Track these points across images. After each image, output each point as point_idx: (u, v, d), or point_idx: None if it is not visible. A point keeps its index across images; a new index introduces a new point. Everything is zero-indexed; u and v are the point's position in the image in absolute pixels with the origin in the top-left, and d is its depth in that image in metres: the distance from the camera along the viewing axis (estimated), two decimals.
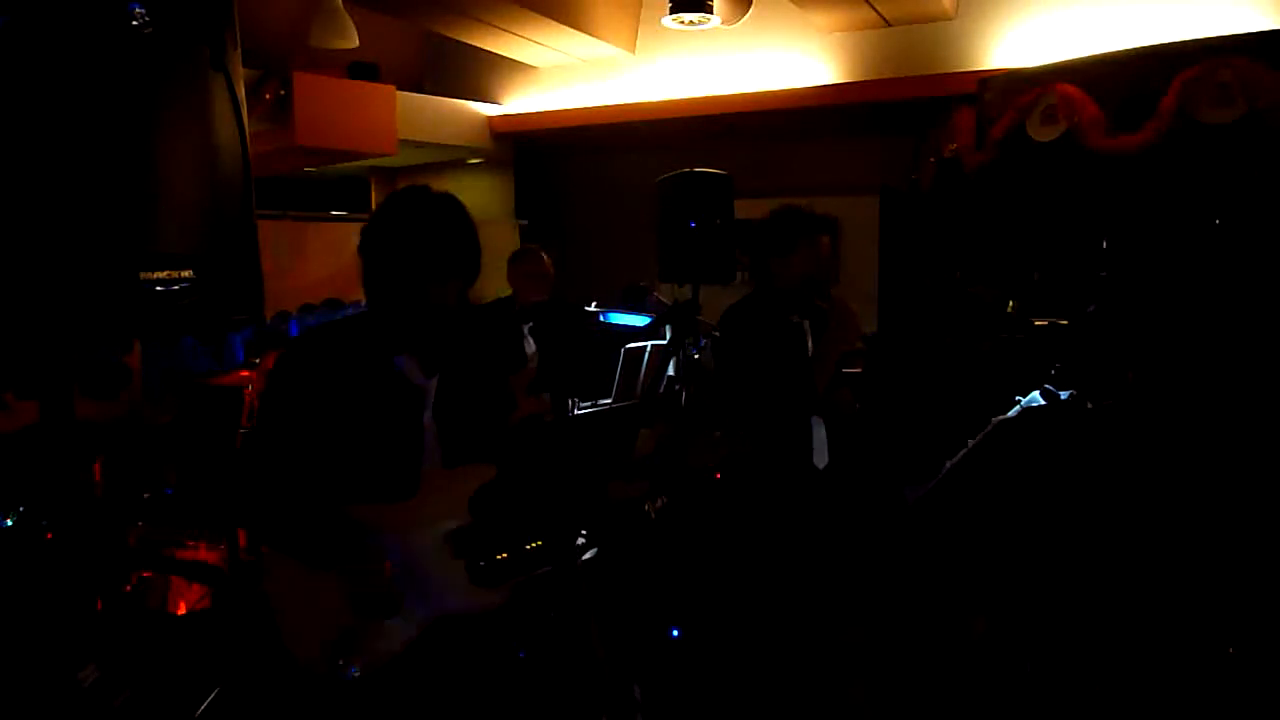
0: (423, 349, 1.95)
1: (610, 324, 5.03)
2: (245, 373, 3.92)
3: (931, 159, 4.75)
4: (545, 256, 4.22)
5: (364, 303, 2.00)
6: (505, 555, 1.99)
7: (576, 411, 4.09)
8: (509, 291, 4.31)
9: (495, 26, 5.41)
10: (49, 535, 3.09)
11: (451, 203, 1.97)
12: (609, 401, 4.52)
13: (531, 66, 6.46)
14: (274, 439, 1.86)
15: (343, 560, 1.78)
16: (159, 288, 1.96)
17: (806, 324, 3.14)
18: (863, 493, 3.56)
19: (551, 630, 2.51)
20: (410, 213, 1.93)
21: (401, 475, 1.88)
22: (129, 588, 3.48)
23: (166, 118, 1.98)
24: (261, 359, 4.16)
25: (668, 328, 4.01)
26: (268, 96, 4.93)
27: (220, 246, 2.10)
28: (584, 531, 2.93)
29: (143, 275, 1.93)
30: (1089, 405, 3.10)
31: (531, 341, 4.05)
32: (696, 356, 3.84)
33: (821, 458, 3.13)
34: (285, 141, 5.03)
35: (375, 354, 1.91)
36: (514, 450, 2.17)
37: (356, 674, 1.77)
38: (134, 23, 1.88)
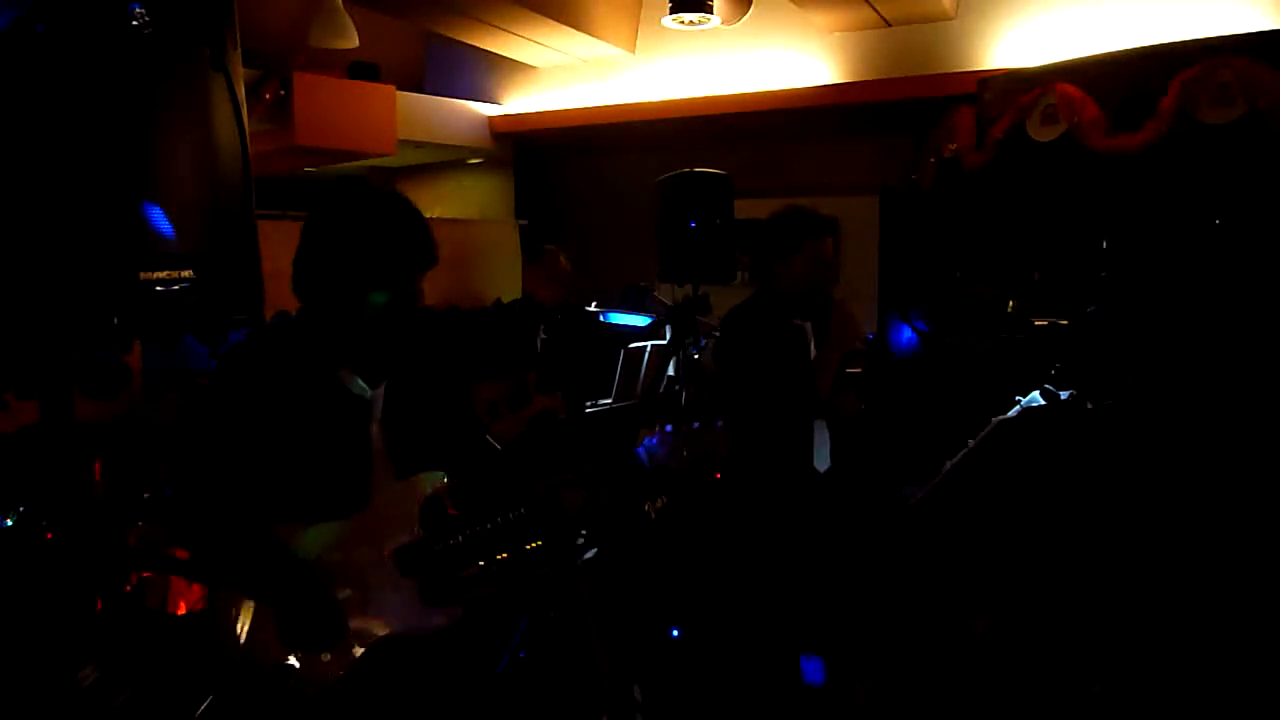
0: (365, 359, 1.84)
1: (610, 324, 5.03)
2: None
3: (931, 159, 4.75)
4: (563, 257, 4.23)
5: (295, 312, 1.88)
6: (505, 555, 1.94)
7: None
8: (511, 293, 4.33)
9: (495, 26, 5.41)
10: (49, 535, 3.08)
11: (394, 198, 1.85)
12: (609, 401, 4.52)
13: (531, 66, 6.46)
14: (212, 459, 1.71)
15: (282, 593, 1.67)
16: (159, 288, 1.96)
17: (808, 326, 3.13)
18: (864, 495, 3.56)
19: (551, 630, 2.51)
20: (354, 211, 1.81)
21: (348, 490, 1.78)
22: (129, 588, 3.47)
23: (166, 118, 1.98)
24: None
25: (668, 328, 4.01)
26: (268, 96, 4.93)
27: (220, 246, 2.11)
28: (584, 531, 2.92)
29: (143, 275, 1.94)
30: (1089, 405, 3.10)
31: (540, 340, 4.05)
32: (696, 357, 3.84)
33: (823, 461, 3.12)
34: (285, 141, 5.03)
35: (317, 366, 1.79)
36: (526, 444, 2.15)
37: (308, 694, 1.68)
38: (134, 23, 1.88)
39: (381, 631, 1.74)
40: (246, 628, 1.71)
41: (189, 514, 1.74)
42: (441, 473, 1.84)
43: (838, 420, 3.18)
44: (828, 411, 3.12)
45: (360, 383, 1.84)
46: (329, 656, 1.70)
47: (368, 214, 1.80)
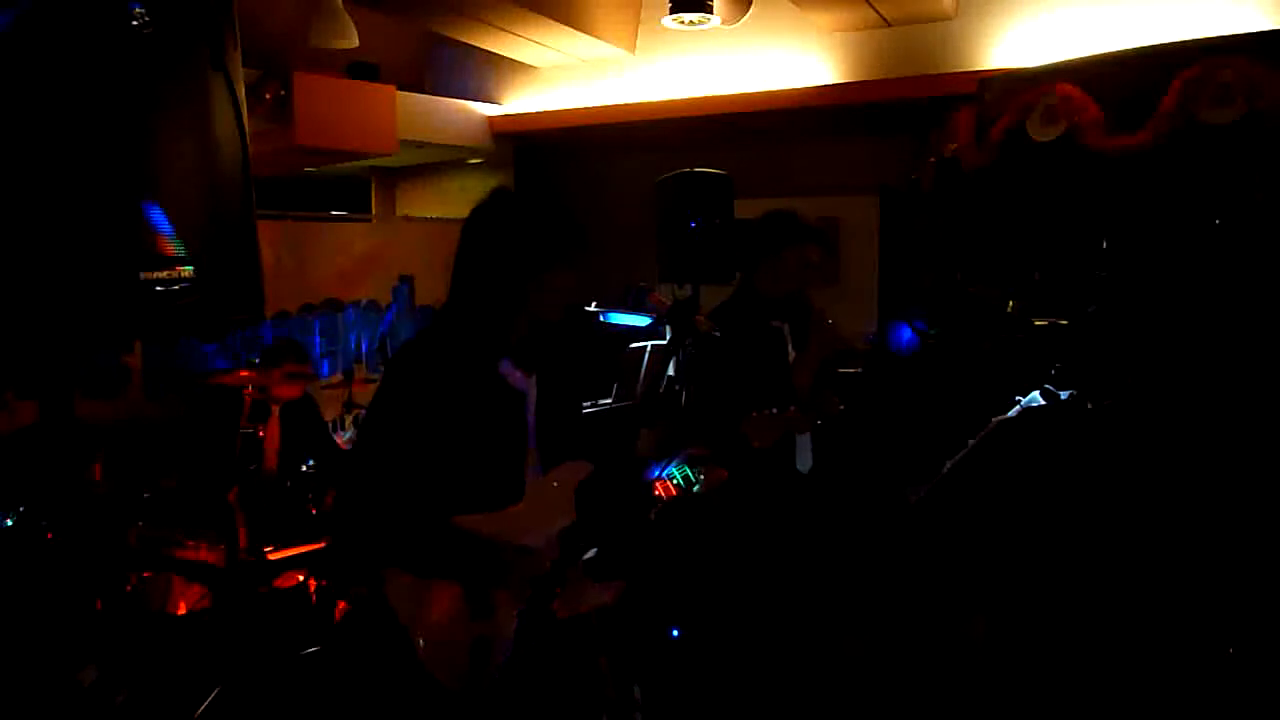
0: (521, 350, 1.96)
1: (610, 324, 5.03)
2: (245, 373, 3.92)
3: (931, 159, 4.74)
4: (571, 274, 4.21)
5: (443, 306, 1.99)
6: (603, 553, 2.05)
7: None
8: None
9: (495, 26, 5.41)
10: (49, 535, 3.09)
11: (556, 203, 2.00)
12: (609, 401, 4.53)
13: (531, 66, 6.46)
14: (386, 453, 1.82)
15: (467, 577, 1.79)
16: (159, 288, 1.96)
17: (786, 328, 3.13)
18: (849, 495, 3.56)
19: (551, 630, 2.51)
20: (523, 211, 1.95)
21: (509, 480, 1.91)
22: (129, 588, 3.48)
23: (166, 118, 1.98)
24: (262, 359, 4.16)
25: (668, 328, 4.01)
26: (268, 96, 4.93)
27: (220, 246, 2.11)
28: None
29: (143, 275, 1.94)
30: (1089, 405, 3.10)
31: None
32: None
33: (804, 461, 3.11)
34: (285, 141, 5.03)
35: (481, 359, 1.90)
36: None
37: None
38: (134, 23, 1.88)
39: (564, 615, 1.90)
40: (433, 623, 1.81)
41: (374, 504, 1.81)
42: (586, 461, 1.96)
43: (825, 420, 3.16)
44: (806, 411, 3.11)
45: (518, 373, 1.95)
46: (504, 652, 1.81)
47: (522, 214, 1.95)
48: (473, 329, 1.91)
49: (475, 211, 1.97)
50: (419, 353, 1.94)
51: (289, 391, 4.15)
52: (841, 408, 3.13)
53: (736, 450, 3.00)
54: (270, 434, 4.04)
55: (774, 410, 2.53)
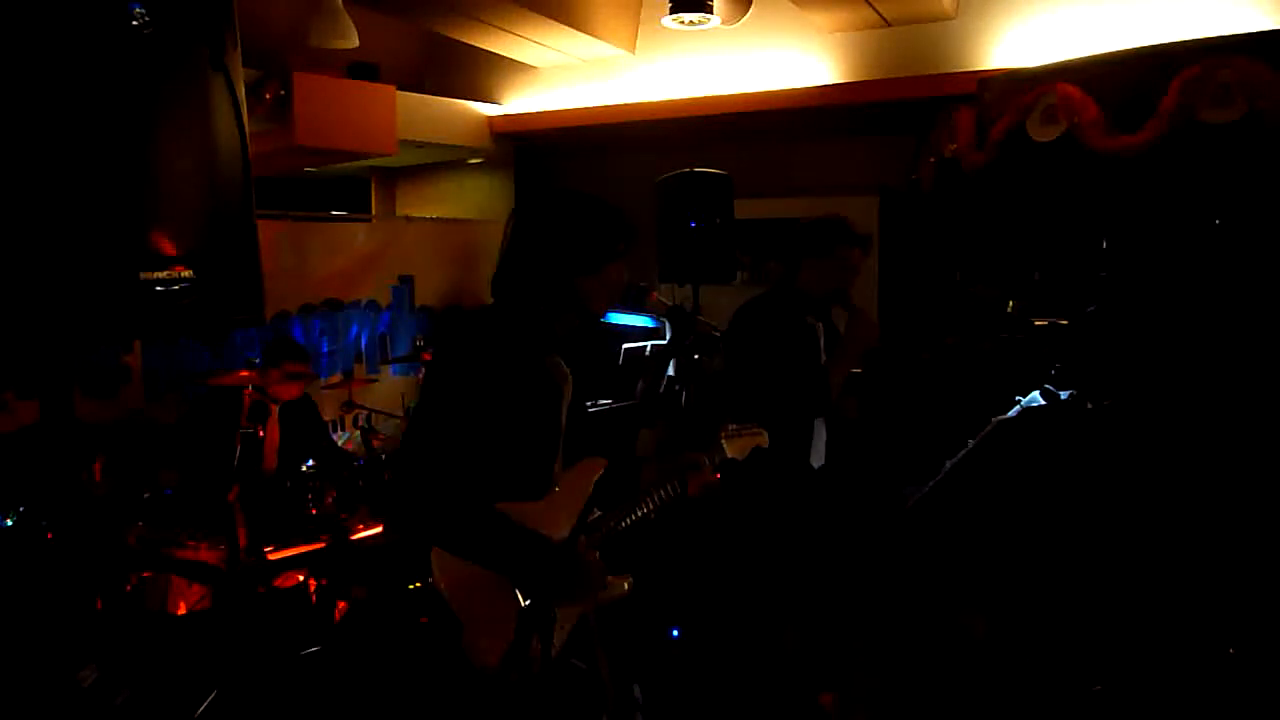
0: (565, 347, 2.00)
1: (610, 324, 5.03)
2: (245, 373, 3.91)
3: (931, 159, 4.74)
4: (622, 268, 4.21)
5: (496, 301, 2.01)
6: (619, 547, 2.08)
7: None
8: None
9: (495, 26, 5.41)
10: (49, 535, 3.09)
11: (591, 199, 2.02)
12: (609, 401, 4.53)
13: (531, 66, 6.46)
14: (445, 438, 1.82)
15: (521, 569, 1.81)
16: (159, 288, 1.97)
17: (820, 327, 3.19)
18: (858, 492, 3.57)
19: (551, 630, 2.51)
20: (580, 207, 1.97)
21: (543, 471, 1.95)
22: (129, 588, 3.48)
23: (166, 118, 1.98)
24: (263, 359, 4.16)
25: (667, 328, 4.02)
26: (268, 96, 4.93)
27: (220, 246, 2.11)
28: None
29: (143, 275, 1.94)
30: (1089, 405, 3.10)
31: None
32: (697, 357, 3.84)
33: (818, 458, 3.14)
34: (285, 141, 5.03)
35: (529, 353, 1.93)
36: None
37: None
38: (134, 23, 1.88)
39: (587, 608, 1.94)
40: (483, 610, 1.85)
41: (435, 485, 1.81)
42: (604, 458, 2.00)
43: (838, 420, 3.20)
44: (831, 411, 3.15)
45: (561, 368, 2.00)
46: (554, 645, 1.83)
47: (570, 210, 1.96)
48: (527, 322, 1.94)
49: (525, 206, 2.00)
50: (476, 342, 1.94)
51: (288, 391, 4.14)
52: (854, 416, 3.18)
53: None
54: (269, 434, 4.04)
55: (752, 425, 2.57)
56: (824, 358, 3.18)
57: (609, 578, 1.96)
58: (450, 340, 1.97)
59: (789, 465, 3.05)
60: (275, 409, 4.14)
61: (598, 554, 1.96)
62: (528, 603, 1.86)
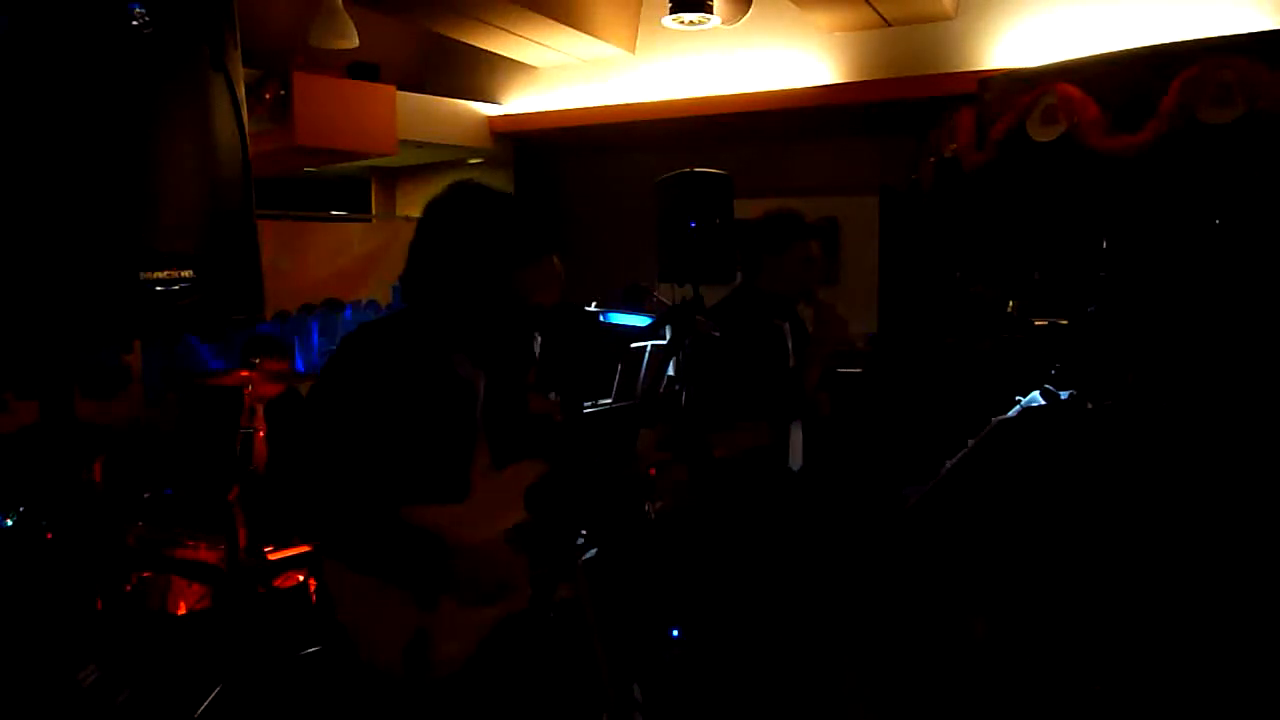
0: (473, 345, 1.94)
1: (610, 324, 5.03)
2: (245, 373, 3.92)
3: (931, 159, 4.74)
4: (557, 259, 4.20)
5: (402, 301, 1.97)
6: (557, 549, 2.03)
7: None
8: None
9: (495, 26, 5.41)
10: (49, 535, 3.09)
11: (508, 197, 1.97)
12: (609, 401, 4.52)
13: (531, 66, 6.46)
14: (329, 441, 1.78)
15: (409, 573, 1.75)
16: (159, 288, 1.96)
17: (786, 327, 3.14)
18: (844, 492, 3.57)
19: (551, 630, 2.51)
20: (479, 204, 1.92)
21: (458, 474, 1.87)
22: (129, 588, 3.48)
23: (166, 118, 1.98)
24: (261, 360, 4.15)
25: (668, 328, 4.01)
26: (268, 96, 4.93)
27: (220, 246, 2.11)
28: (584, 531, 2.93)
29: (143, 275, 1.94)
30: (1089, 405, 3.10)
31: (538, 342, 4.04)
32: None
33: (796, 460, 3.12)
34: (285, 141, 5.03)
35: (432, 351, 1.89)
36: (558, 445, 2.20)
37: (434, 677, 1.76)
38: (134, 23, 1.88)
39: (499, 613, 1.83)
40: (372, 608, 1.79)
41: (311, 499, 1.78)
42: (540, 460, 1.93)
43: (814, 420, 3.17)
44: (806, 411, 3.12)
45: (470, 367, 1.93)
46: (456, 648, 1.77)
47: (499, 205, 1.92)
48: (430, 321, 1.89)
49: (436, 204, 1.93)
50: (371, 339, 1.90)
51: (271, 389, 4.13)
52: (827, 413, 3.15)
53: (704, 453, 3.02)
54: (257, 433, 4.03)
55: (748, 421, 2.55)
56: (793, 359, 3.13)
57: (546, 584, 1.91)
58: (342, 348, 1.90)
59: (768, 470, 3.04)
60: (260, 408, 4.14)
61: (528, 558, 1.88)
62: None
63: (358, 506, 1.76)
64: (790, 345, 3.15)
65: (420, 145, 6.28)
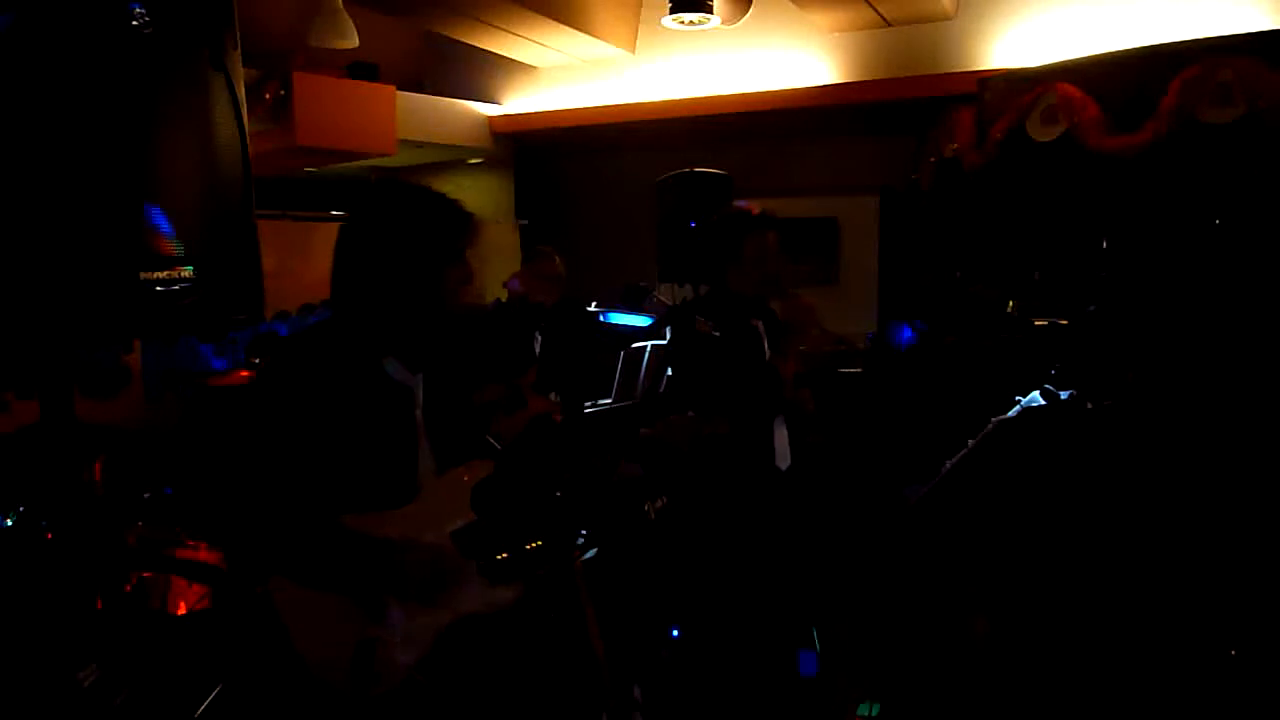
0: (406, 348, 1.88)
1: (610, 324, 5.03)
2: (245, 373, 3.92)
3: (931, 159, 4.75)
4: (558, 258, 4.21)
5: (332, 307, 1.91)
6: (506, 555, 1.98)
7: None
8: (504, 294, 4.31)
9: (495, 26, 5.41)
10: (49, 535, 3.09)
11: (430, 193, 1.90)
12: (609, 401, 4.52)
13: (531, 66, 6.46)
14: (266, 456, 1.74)
15: (356, 580, 1.73)
16: (159, 288, 1.96)
17: (761, 325, 3.13)
18: (832, 494, 3.55)
19: (552, 630, 2.51)
20: (402, 201, 1.86)
21: (400, 478, 1.84)
22: (129, 588, 3.47)
23: (166, 118, 1.98)
24: (262, 360, 4.15)
25: (668, 328, 4.01)
26: (268, 96, 4.93)
27: (220, 246, 2.11)
28: (584, 531, 2.93)
29: (143, 275, 1.94)
30: (1089, 405, 3.10)
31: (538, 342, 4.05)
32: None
33: (784, 460, 3.10)
34: (285, 141, 5.02)
35: (363, 357, 1.83)
36: (522, 448, 2.17)
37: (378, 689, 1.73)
38: (134, 23, 1.88)
39: (450, 616, 1.80)
40: (313, 618, 1.78)
41: (258, 508, 1.75)
42: (488, 461, 1.92)
43: (798, 418, 3.15)
44: (789, 408, 3.10)
45: (404, 370, 1.88)
46: (410, 631, 1.75)
47: (398, 210, 1.85)
48: (358, 326, 1.84)
49: (370, 206, 1.88)
50: (299, 350, 1.86)
51: None
52: (811, 408, 3.12)
53: (720, 451, 3.00)
54: None
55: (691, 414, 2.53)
56: (769, 355, 3.11)
57: (496, 587, 1.86)
58: (271, 361, 1.86)
59: (754, 469, 3.02)
60: None
61: (477, 562, 1.85)
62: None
63: (298, 519, 1.72)
64: (766, 343, 3.13)
65: (420, 145, 6.27)
